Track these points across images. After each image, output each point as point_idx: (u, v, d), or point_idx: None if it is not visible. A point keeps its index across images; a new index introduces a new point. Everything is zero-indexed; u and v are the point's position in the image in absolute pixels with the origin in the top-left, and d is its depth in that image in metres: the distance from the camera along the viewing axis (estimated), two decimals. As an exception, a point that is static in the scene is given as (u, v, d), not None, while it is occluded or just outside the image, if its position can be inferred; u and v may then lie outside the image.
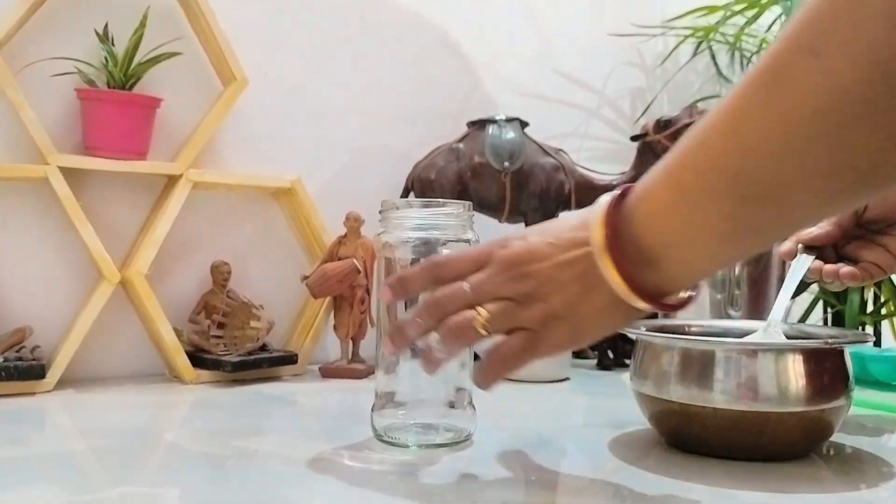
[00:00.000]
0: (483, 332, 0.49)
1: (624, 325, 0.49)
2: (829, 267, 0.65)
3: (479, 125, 1.07)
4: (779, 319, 0.63)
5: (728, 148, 0.39)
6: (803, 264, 0.66)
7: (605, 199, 0.46)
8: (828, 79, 0.35)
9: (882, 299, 1.28)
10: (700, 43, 1.45)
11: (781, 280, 0.89)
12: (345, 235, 0.96)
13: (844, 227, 0.66)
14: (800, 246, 0.67)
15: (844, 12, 0.34)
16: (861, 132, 0.35)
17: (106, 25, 0.90)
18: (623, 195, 0.45)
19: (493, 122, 1.06)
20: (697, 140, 0.41)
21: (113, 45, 0.89)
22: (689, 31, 1.41)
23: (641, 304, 0.45)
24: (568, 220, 0.48)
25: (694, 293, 0.48)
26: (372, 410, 0.62)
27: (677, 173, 0.42)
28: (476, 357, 0.56)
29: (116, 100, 0.88)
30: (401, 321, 0.53)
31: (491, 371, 0.50)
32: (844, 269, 0.65)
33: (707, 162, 0.41)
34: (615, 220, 0.44)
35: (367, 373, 0.94)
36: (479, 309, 0.48)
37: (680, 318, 0.88)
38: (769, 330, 0.63)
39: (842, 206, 0.40)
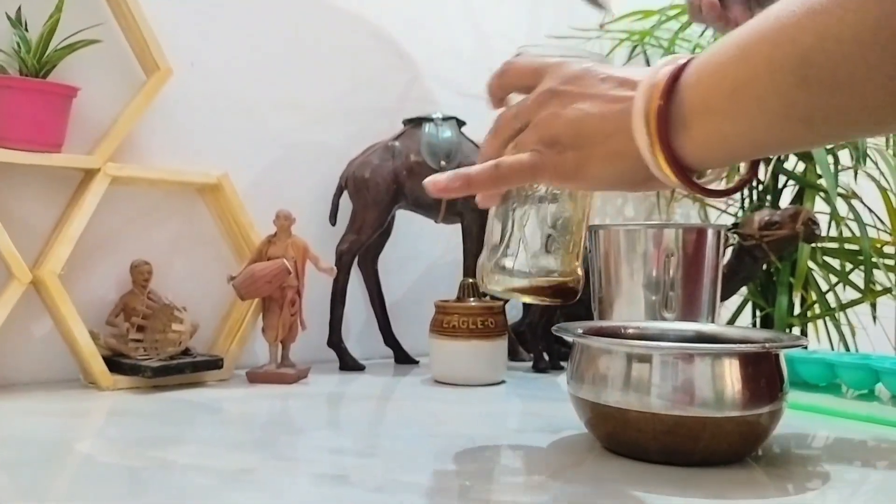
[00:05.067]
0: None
1: (634, 187, 0.47)
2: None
3: (416, 123, 1.05)
4: None
5: (807, 25, 0.37)
6: None
7: (669, 58, 0.44)
8: None
9: (808, 301, 1.32)
10: (635, 47, 1.47)
11: (715, 283, 0.90)
12: (275, 234, 0.93)
13: None
14: None
15: None
16: None
17: (19, 9, 0.85)
18: (689, 61, 0.43)
19: (430, 120, 1.05)
20: (775, 13, 0.39)
21: (26, 30, 0.85)
22: (624, 35, 1.43)
23: (662, 167, 0.43)
24: (637, 67, 0.47)
25: (728, 184, 0.46)
26: None
27: (745, 39, 0.40)
28: None
29: (29, 88, 0.83)
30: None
31: (485, 177, 0.49)
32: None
33: (779, 35, 0.38)
34: (670, 81, 0.42)
35: (297, 378, 0.91)
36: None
37: (615, 321, 0.88)
38: None
39: None
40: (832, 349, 1.32)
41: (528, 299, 0.58)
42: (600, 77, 0.45)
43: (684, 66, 0.43)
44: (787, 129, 0.40)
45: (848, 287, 1.32)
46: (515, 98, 0.52)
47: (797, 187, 1.37)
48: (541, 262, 0.58)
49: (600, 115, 0.44)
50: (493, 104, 0.54)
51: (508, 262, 0.58)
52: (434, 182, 0.50)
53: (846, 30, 0.35)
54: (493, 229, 0.59)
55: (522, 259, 0.58)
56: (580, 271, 0.59)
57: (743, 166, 0.49)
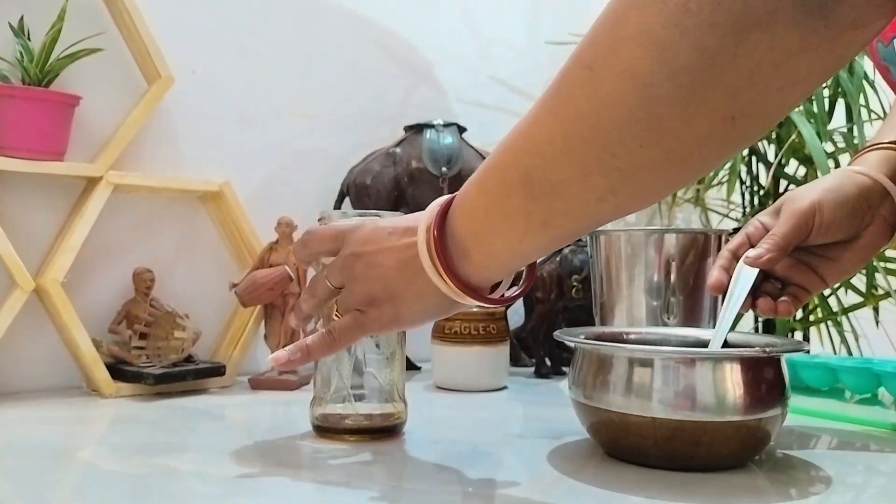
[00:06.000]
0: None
1: (446, 313, 0.52)
2: (764, 303, 0.66)
3: (417, 129, 1.05)
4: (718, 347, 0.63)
5: (522, 148, 0.44)
6: (746, 280, 0.65)
7: (442, 198, 0.49)
8: (597, 90, 0.39)
9: (810, 306, 1.32)
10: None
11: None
12: (276, 241, 0.93)
13: (786, 251, 0.65)
14: (743, 268, 0.66)
15: (610, 31, 0.38)
16: (623, 137, 0.39)
17: (21, 18, 0.85)
18: (455, 196, 0.49)
19: (431, 126, 1.05)
20: (504, 142, 0.45)
21: (29, 39, 0.85)
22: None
23: (458, 294, 0.48)
24: (416, 213, 0.51)
25: (513, 293, 0.53)
26: None
27: (485, 171, 0.46)
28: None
29: (31, 97, 0.83)
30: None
31: (322, 344, 0.53)
32: (781, 306, 0.65)
33: (506, 160, 0.45)
34: (443, 215, 0.48)
35: (300, 384, 0.91)
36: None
37: (617, 326, 0.88)
38: None
39: (616, 205, 0.43)
40: (834, 353, 1.31)
41: (352, 439, 0.65)
42: (388, 231, 0.51)
43: (451, 201, 0.49)
44: (536, 237, 0.45)
45: (850, 291, 1.32)
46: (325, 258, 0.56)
47: (798, 192, 1.37)
48: (371, 402, 0.67)
49: (397, 266, 0.50)
50: (305, 267, 0.58)
51: (339, 408, 0.66)
52: (276, 358, 0.55)
53: (548, 144, 0.41)
54: (318, 382, 0.67)
55: (357, 404, 0.66)
56: (403, 406, 0.68)
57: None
